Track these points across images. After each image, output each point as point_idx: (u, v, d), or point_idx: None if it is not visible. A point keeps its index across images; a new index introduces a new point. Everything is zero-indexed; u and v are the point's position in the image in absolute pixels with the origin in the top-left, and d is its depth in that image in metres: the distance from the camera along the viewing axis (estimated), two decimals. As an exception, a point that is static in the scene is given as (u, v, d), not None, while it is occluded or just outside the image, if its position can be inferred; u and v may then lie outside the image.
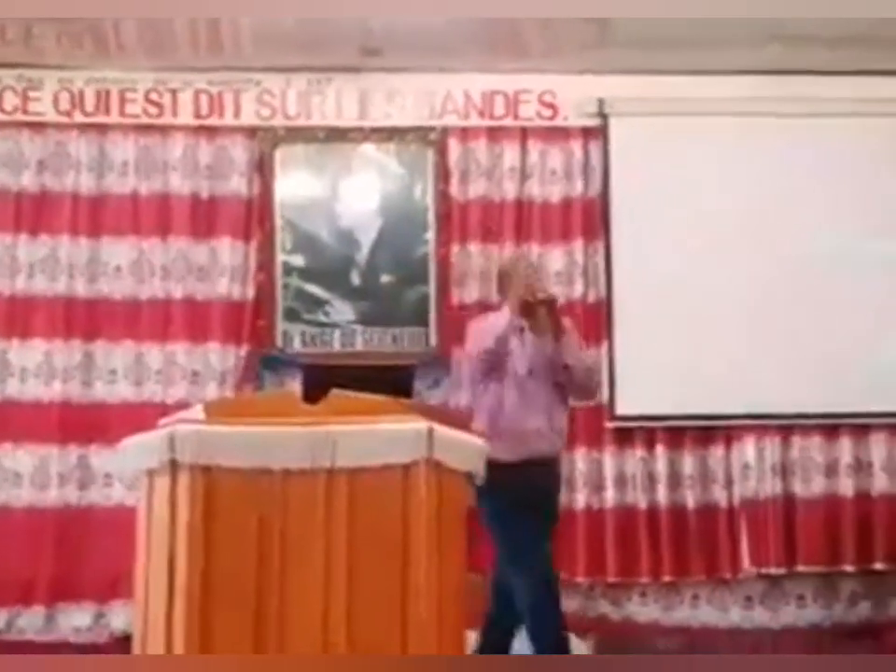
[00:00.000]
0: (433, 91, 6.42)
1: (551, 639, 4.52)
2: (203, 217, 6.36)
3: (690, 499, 6.29)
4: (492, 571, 4.85)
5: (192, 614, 3.47)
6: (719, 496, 6.31)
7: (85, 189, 6.34)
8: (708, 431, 6.34)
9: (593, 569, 6.19)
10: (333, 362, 6.22)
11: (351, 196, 6.46)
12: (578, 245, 6.40)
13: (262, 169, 6.40)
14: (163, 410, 5.67)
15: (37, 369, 6.23)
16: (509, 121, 6.45)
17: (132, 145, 6.37)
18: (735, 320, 6.28)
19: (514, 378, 4.62)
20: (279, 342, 6.35)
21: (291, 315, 6.36)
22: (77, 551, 6.09)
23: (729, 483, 6.32)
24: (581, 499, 6.25)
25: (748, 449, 6.31)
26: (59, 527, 6.13)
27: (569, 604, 5.56)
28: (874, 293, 6.31)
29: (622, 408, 6.16)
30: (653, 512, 6.27)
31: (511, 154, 6.45)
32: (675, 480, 6.30)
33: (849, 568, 6.26)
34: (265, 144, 6.40)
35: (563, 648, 4.57)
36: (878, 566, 6.24)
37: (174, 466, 3.55)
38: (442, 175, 6.43)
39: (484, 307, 6.16)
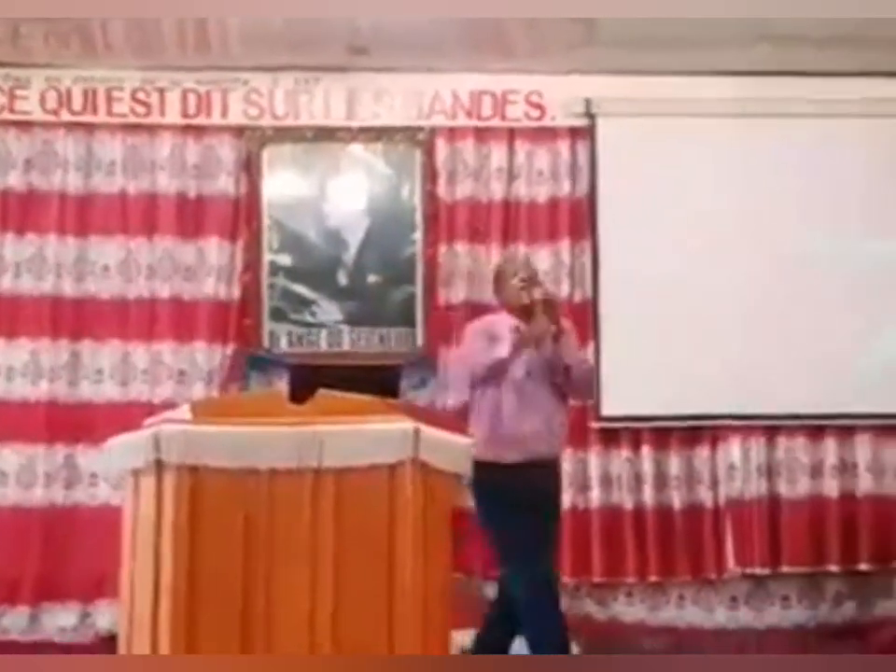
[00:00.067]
0: (421, 92, 6.42)
1: (550, 642, 4.47)
2: (191, 217, 6.35)
3: (676, 500, 6.30)
4: (499, 573, 4.83)
5: (178, 614, 3.47)
6: (704, 496, 6.33)
7: (72, 189, 6.33)
8: (694, 432, 6.35)
9: (578, 569, 6.19)
10: (320, 362, 6.22)
11: (338, 196, 6.46)
12: (565, 245, 6.40)
13: (250, 168, 6.39)
14: (150, 409, 5.65)
15: (24, 368, 6.22)
16: (496, 122, 6.46)
17: (119, 144, 6.36)
18: (722, 321, 6.29)
19: (512, 381, 4.57)
20: (266, 342, 6.35)
21: (278, 315, 6.36)
22: (63, 550, 6.08)
23: (714, 484, 6.34)
24: (566, 500, 6.19)
25: (733, 450, 6.33)
26: (44, 527, 6.12)
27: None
28: (860, 294, 6.33)
29: (607, 408, 6.17)
30: (639, 513, 6.28)
31: (498, 154, 6.45)
32: (661, 480, 6.31)
33: (834, 569, 6.28)
34: (253, 143, 6.39)
35: (563, 651, 4.52)
36: (863, 566, 6.26)
37: (159, 466, 3.55)
38: (430, 175, 6.44)
39: (471, 307, 6.18)
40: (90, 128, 6.36)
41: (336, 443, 3.60)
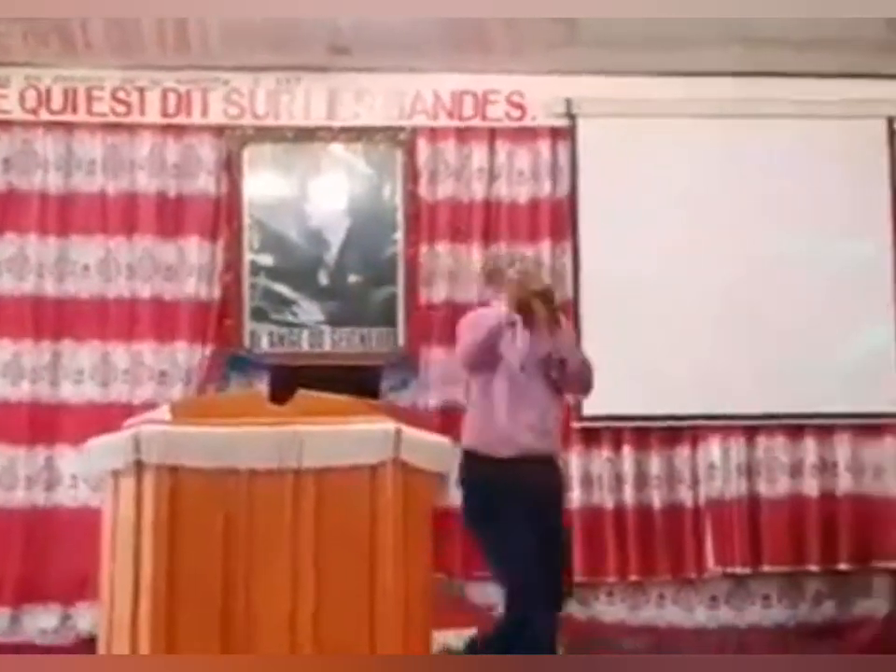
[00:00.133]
0: (402, 92, 6.42)
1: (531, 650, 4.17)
2: (171, 217, 6.33)
3: (656, 499, 6.31)
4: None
5: (158, 615, 3.47)
6: (684, 496, 6.34)
7: (53, 188, 6.30)
8: (674, 431, 6.37)
9: (560, 569, 6.20)
10: (301, 363, 6.21)
11: (319, 196, 6.46)
12: (545, 245, 6.41)
13: (230, 168, 6.38)
14: (130, 410, 5.65)
15: (5, 369, 6.19)
16: (477, 122, 6.46)
17: (99, 143, 6.33)
18: (702, 321, 6.31)
19: (506, 373, 4.42)
20: (247, 342, 6.33)
21: (259, 315, 6.34)
22: (44, 552, 6.05)
23: (695, 484, 6.35)
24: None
25: (713, 449, 6.35)
26: (25, 529, 6.09)
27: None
28: (839, 294, 6.36)
29: (588, 408, 6.16)
30: (620, 512, 6.29)
31: (479, 154, 6.46)
32: (641, 480, 6.32)
33: (814, 568, 6.29)
34: (233, 143, 6.38)
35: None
36: (842, 566, 6.28)
37: (139, 466, 3.55)
38: (411, 175, 6.44)
39: (453, 307, 6.19)
40: (69, 127, 6.34)
41: (316, 444, 3.60)
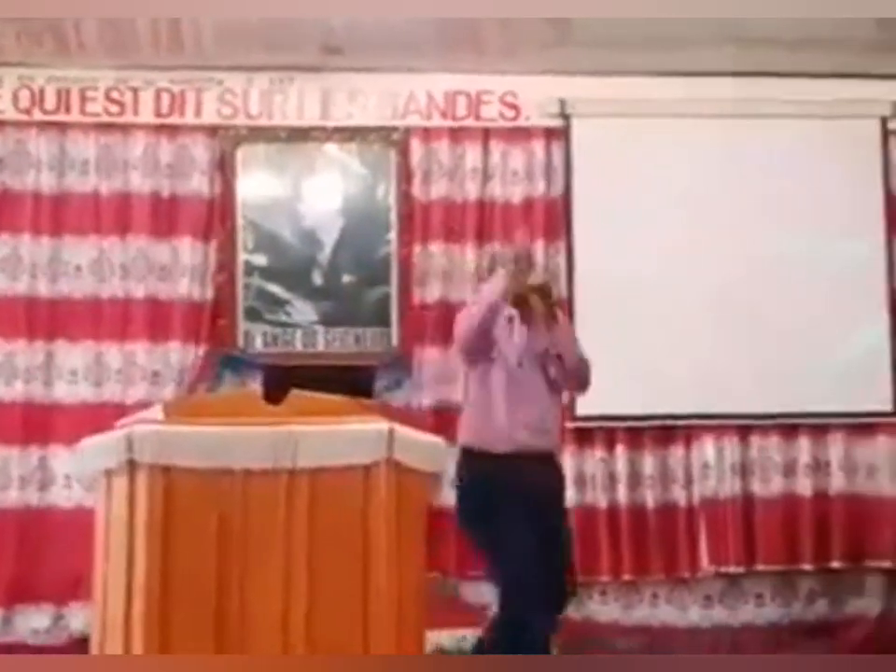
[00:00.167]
0: (396, 92, 6.41)
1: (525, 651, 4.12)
2: (164, 217, 6.32)
3: (649, 499, 6.32)
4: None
5: (151, 614, 3.47)
6: (678, 495, 6.34)
7: (46, 188, 6.29)
8: (668, 431, 6.37)
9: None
10: (294, 362, 6.21)
11: (313, 196, 6.45)
12: (539, 245, 6.39)
13: (224, 168, 6.37)
14: (123, 410, 5.64)
15: (-1, 369, 6.20)
16: (471, 122, 6.46)
17: (92, 143, 6.32)
18: (696, 321, 6.31)
19: (503, 368, 4.38)
20: (240, 342, 6.33)
21: (252, 315, 6.34)
22: (36, 552, 6.04)
23: (688, 483, 6.35)
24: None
25: (707, 449, 6.35)
26: (19, 529, 6.08)
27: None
28: (832, 294, 6.36)
29: (582, 408, 6.17)
30: (613, 512, 6.29)
31: (472, 154, 6.45)
32: (635, 479, 6.32)
33: (807, 567, 6.30)
34: (227, 143, 6.38)
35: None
36: (835, 564, 6.28)
37: (132, 466, 3.55)
38: (405, 175, 6.43)
39: (446, 307, 6.19)
40: (63, 127, 6.32)
41: (311, 444, 3.61)
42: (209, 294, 6.31)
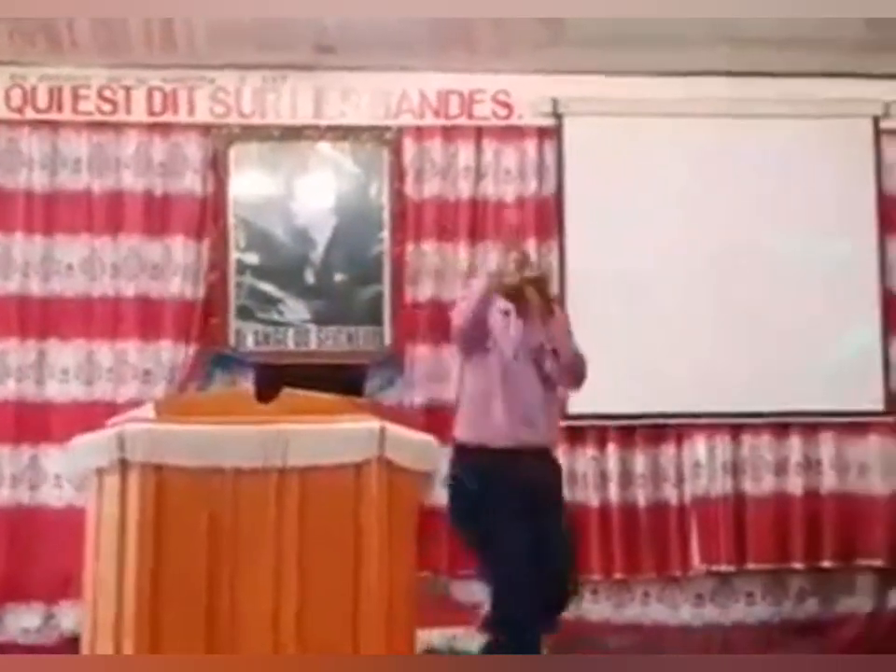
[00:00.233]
0: (388, 91, 6.41)
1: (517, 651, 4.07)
2: (157, 215, 6.31)
3: (641, 498, 6.32)
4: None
5: (142, 614, 3.47)
6: (670, 494, 6.35)
7: (38, 187, 6.28)
8: (660, 430, 6.38)
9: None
10: (286, 361, 6.21)
11: (306, 194, 6.45)
12: (531, 244, 6.39)
13: (216, 167, 6.37)
14: (114, 409, 5.63)
15: (-9, 368, 6.19)
16: (463, 121, 6.46)
17: (84, 142, 6.31)
18: (687, 320, 6.32)
19: (499, 362, 4.33)
20: (232, 340, 6.33)
21: (245, 314, 6.34)
22: (27, 551, 6.04)
23: (680, 482, 6.36)
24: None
25: (698, 447, 6.36)
26: (9, 527, 6.08)
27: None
28: (825, 293, 6.37)
29: (573, 406, 6.16)
30: (605, 510, 6.30)
31: (465, 153, 6.45)
32: (626, 478, 6.33)
33: (798, 566, 6.31)
34: (219, 141, 6.37)
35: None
36: (826, 563, 6.30)
37: (123, 465, 3.55)
38: (397, 173, 6.43)
39: (439, 305, 6.19)
40: (55, 126, 6.31)
41: (301, 442, 3.61)
42: (201, 293, 6.30)
